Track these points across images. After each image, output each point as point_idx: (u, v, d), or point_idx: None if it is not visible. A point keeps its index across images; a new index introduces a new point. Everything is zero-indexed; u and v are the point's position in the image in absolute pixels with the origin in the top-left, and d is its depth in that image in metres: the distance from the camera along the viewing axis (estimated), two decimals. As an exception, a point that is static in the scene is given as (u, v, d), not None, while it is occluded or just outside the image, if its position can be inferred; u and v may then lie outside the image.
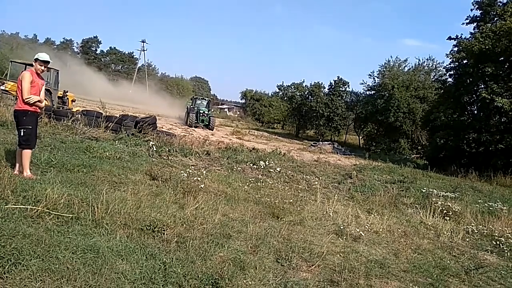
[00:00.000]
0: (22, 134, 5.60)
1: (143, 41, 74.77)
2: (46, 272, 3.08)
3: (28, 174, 5.54)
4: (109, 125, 11.42)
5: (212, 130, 30.48)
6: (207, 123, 31.37)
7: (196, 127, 29.85)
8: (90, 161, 7.22)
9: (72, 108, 17.78)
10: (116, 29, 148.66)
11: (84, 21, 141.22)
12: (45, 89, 18.08)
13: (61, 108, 16.96)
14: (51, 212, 4.16)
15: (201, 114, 31.46)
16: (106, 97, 26.64)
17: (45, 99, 6.04)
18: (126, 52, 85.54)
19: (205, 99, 37.34)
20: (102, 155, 8.10)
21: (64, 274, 3.10)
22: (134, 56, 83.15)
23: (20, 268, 3.04)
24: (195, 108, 32.47)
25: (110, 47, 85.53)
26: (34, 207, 4.21)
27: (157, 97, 61.03)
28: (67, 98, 19.73)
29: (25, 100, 5.58)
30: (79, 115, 11.96)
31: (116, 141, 10.24)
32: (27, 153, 5.59)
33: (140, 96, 60.70)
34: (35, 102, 5.67)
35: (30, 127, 5.66)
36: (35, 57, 5.76)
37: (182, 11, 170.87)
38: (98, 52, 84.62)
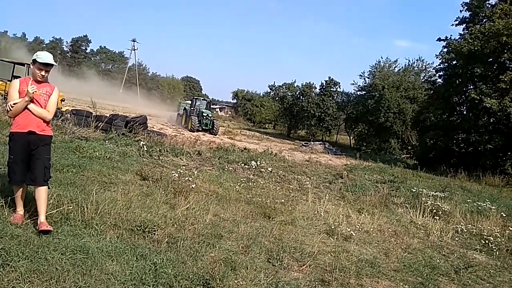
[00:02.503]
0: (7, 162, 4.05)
1: (133, 40, 74.38)
2: (35, 273, 3.04)
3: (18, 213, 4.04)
4: (99, 125, 11.33)
5: (216, 135, 27.00)
6: (210, 127, 27.91)
7: (198, 131, 26.41)
8: (79, 161, 7.15)
9: (61, 108, 17.59)
10: (106, 28, 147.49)
11: (73, 20, 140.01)
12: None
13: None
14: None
15: (204, 117, 27.90)
16: (96, 96, 26.34)
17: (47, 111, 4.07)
18: (117, 52, 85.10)
19: (206, 100, 33.72)
20: (92, 155, 8.02)
21: (53, 275, 3.06)
22: (125, 56, 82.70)
23: (8, 270, 2.99)
24: (196, 110, 28.92)
25: (100, 46, 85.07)
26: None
27: (147, 97, 60.76)
28: (57, 98, 19.50)
29: (8, 112, 4.04)
30: (69, 115, 11.84)
31: (106, 141, 10.15)
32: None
33: (131, 96, 60.37)
34: (18, 109, 3.91)
35: (12, 156, 3.97)
36: (33, 58, 4.04)
37: (173, 10, 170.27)
38: (88, 51, 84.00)
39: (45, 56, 4.02)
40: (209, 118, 28.07)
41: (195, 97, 33.03)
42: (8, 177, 4.04)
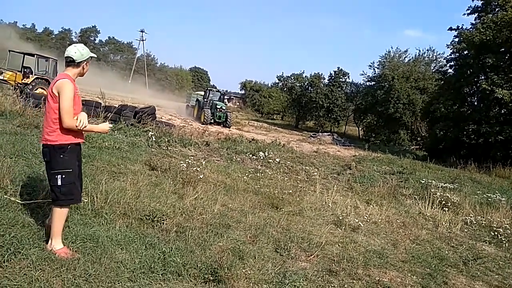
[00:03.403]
0: (59, 182, 3.32)
1: (142, 31, 74.21)
2: (45, 261, 3.08)
3: (61, 247, 3.35)
4: (108, 115, 11.38)
5: (229, 128, 26.13)
6: (224, 119, 26.89)
7: (211, 123, 25.68)
8: (89, 151, 7.20)
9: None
10: (115, 18, 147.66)
11: (82, 11, 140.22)
12: (44, 79, 17.99)
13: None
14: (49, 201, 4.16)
15: (218, 110, 26.69)
16: (105, 87, 26.36)
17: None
18: (125, 42, 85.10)
19: (219, 91, 31.47)
20: (101, 145, 8.08)
21: (64, 263, 3.11)
22: (133, 46, 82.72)
23: (20, 257, 3.04)
24: (209, 101, 27.87)
25: (109, 37, 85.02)
26: (33, 201, 4.21)
27: (156, 88, 60.85)
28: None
29: (77, 127, 3.36)
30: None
31: (115, 131, 10.21)
32: (62, 213, 3.39)
33: (139, 87, 60.54)
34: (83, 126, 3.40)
35: (71, 169, 3.39)
36: (87, 56, 3.49)
37: (181, 1, 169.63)
38: (96, 41, 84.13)
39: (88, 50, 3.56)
40: (222, 110, 27.04)
41: (208, 89, 31.49)
42: (69, 197, 3.39)
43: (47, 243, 3.38)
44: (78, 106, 3.48)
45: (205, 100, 28.17)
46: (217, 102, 27.54)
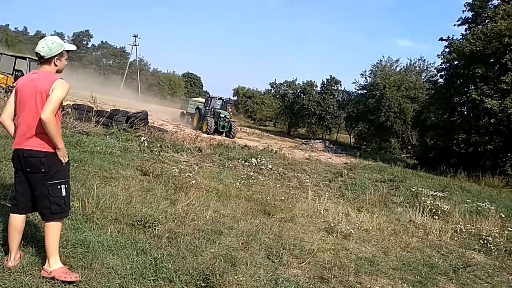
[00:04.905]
0: (64, 193, 3.05)
1: (135, 36, 74.05)
2: (36, 266, 3.06)
3: (60, 267, 3.03)
4: (100, 120, 11.32)
5: (233, 138, 23.89)
6: (227, 129, 25.08)
7: (213, 133, 23.60)
8: (80, 156, 7.15)
9: (62, 102, 17.60)
10: (108, 23, 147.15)
11: (75, 14, 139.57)
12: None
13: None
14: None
15: (221, 119, 24.99)
16: (97, 91, 26.16)
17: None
18: (118, 47, 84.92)
19: (221, 99, 29.08)
20: (92, 149, 8.03)
21: (54, 268, 3.07)
22: (126, 51, 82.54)
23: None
24: (212, 110, 26.24)
25: (102, 41, 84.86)
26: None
27: (148, 93, 60.66)
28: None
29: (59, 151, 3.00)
30: (70, 109, 11.83)
31: (107, 136, 10.16)
32: (58, 227, 3.10)
33: (132, 91, 60.35)
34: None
35: (67, 179, 3.14)
36: (59, 50, 3.06)
37: (174, 6, 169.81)
38: (89, 46, 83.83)
39: (67, 43, 3.19)
40: (226, 119, 25.24)
41: (210, 96, 28.95)
42: (69, 206, 3.20)
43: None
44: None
45: (207, 108, 26.60)
46: (220, 111, 25.97)
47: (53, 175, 2.99)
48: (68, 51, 3.14)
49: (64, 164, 3.04)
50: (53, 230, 3.04)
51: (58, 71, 3.14)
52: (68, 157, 3.09)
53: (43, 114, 2.84)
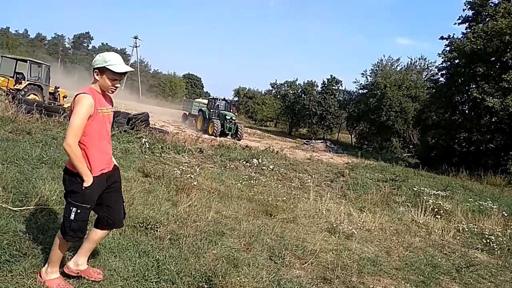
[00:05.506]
0: (72, 216, 2.81)
1: (135, 37, 74.45)
2: (38, 269, 3.05)
3: (55, 277, 2.98)
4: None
5: (240, 140, 23.07)
6: (234, 131, 24.52)
7: (221, 136, 22.99)
8: (82, 158, 7.15)
9: (63, 104, 17.63)
10: (108, 24, 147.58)
11: (76, 17, 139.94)
12: (36, 85, 17.81)
13: (52, 104, 16.82)
14: (44, 207, 4.13)
15: (227, 121, 24.37)
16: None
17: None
18: (119, 48, 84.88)
19: (225, 100, 28.26)
20: (94, 151, 8.02)
21: (57, 271, 3.07)
22: (127, 53, 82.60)
23: (12, 265, 3.01)
24: (217, 111, 25.56)
25: (102, 43, 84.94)
26: (26, 207, 4.17)
27: (149, 94, 60.71)
28: (59, 94, 19.56)
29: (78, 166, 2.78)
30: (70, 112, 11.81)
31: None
32: (60, 243, 2.95)
33: (132, 93, 60.42)
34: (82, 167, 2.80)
35: (89, 205, 2.89)
36: (99, 65, 2.86)
37: (175, 8, 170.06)
38: (90, 48, 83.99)
39: (121, 62, 2.89)
40: (233, 121, 24.65)
41: (213, 97, 28.16)
42: (82, 234, 2.96)
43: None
44: (100, 128, 2.91)
45: (212, 110, 25.88)
46: (226, 112, 25.31)
47: (69, 195, 2.86)
48: (112, 72, 2.84)
49: (84, 188, 2.80)
50: (56, 242, 2.97)
51: (105, 88, 2.95)
52: (93, 184, 2.83)
53: (64, 142, 2.75)
